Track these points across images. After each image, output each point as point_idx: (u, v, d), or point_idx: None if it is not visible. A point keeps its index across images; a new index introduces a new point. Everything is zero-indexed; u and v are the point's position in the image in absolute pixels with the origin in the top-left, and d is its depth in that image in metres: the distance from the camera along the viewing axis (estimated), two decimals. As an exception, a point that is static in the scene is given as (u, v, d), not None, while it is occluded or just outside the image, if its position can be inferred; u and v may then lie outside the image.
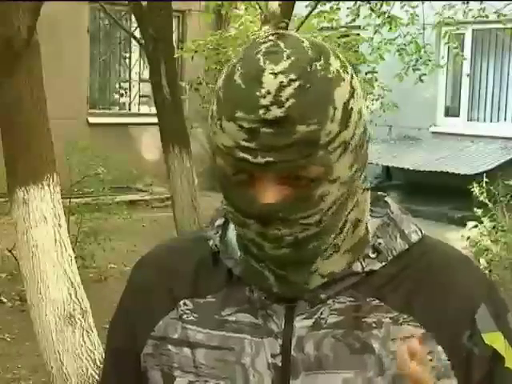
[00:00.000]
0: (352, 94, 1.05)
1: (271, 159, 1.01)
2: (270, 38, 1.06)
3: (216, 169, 1.08)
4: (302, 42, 1.05)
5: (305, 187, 1.04)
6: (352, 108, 1.04)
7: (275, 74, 1.01)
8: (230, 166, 1.05)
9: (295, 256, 1.08)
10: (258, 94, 1.01)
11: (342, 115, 1.03)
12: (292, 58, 1.02)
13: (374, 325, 1.11)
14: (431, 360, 1.09)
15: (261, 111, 1.00)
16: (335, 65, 1.05)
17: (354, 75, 1.08)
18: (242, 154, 1.02)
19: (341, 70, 1.05)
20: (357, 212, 1.12)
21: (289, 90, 1.00)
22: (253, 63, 1.03)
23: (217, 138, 1.05)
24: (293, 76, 1.01)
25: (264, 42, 1.05)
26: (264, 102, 1.00)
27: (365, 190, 1.14)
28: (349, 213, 1.10)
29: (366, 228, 1.15)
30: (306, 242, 1.07)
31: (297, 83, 1.01)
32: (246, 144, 1.02)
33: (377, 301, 1.12)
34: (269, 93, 1.00)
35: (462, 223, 8.13)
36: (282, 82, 1.00)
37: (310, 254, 1.09)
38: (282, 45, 1.04)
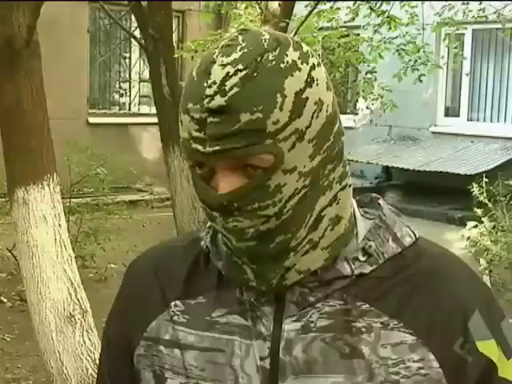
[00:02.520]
0: (309, 84, 1.04)
1: (218, 148, 1.02)
2: (234, 33, 1.08)
3: (187, 164, 1.11)
4: (263, 35, 1.06)
5: (258, 177, 1.04)
6: (307, 97, 1.04)
7: (224, 65, 1.02)
8: (187, 158, 1.08)
9: (261, 250, 1.07)
10: (205, 84, 1.03)
11: (294, 104, 1.02)
12: (244, 50, 1.03)
13: (363, 329, 1.09)
14: (422, 367, 1.08)
15: (206, 101, 1.02)
16: (292, 56, 1.04)
17: (319, 67, 1.07)
18: (194, 145, 1.04)
19: (298, 61, 1.04)
20: (337, 209, 1.11)
21: (233, 80, 1.01)
22: (208, 57, 1.05)
23: (180, 132, 1.08)
24: (240, 66, 1.02)
25: (227, 38, 1.07)
26: (209, 91, 1.02)
27: (346, 187, 1.12)
28: (324, 208, 1.09)
29: (351, 226, 1.14)
30: (269, 235, 1.06)
31: (243, 73, 1.02)
32: (196, 134, 1.04)
33: (367, 305, 1.10)
34: (214, 83, 1.02)
35: (462, 223, 8.13)
36: (228, 72, 1.02)
37: (279, 248, 1.08)
38: (240, 38, 1.05)
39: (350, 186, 1.13)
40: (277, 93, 1.02)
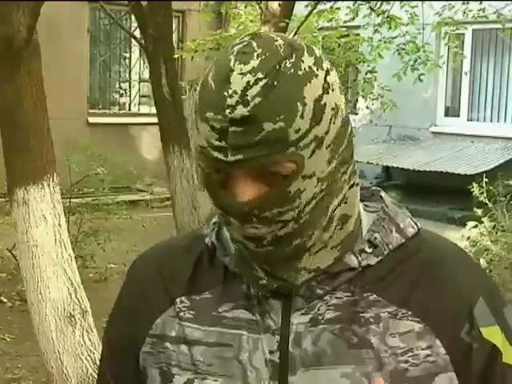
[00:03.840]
0: (326, 90, 1.05)
1: (241, 157, 1.03)
2: (245, 38, 1.07)
3: (200, 170, 1.11)
4: (276, 41, 1.06)
5: (279, 184, 1.05)
6: (325, 104, 1.05)
7: (243, 74, 1.02)
8: (206, 166, 1.07)
9: (279, 254, 1.09)
10: (225, 94, 1.02)
11: (314, 111, 1.04)
12: (261, 57, 1.03)
13: (371, 320, 1.11)
14: (430, 355, 1.10)
15: (227, 111, 1.02)
16: (308, 62, 1.05)
17: (332, 71, 1.08)
18: (214, 154, 1.04)
19: (314, 67, 1.05)
20: (345, 208, 1.12)
21: (255, 89, 1.02)
22: (224, 64, 1.05)
23: (195, 139, 1.08)
24: (260, 75, 1.02)
25: (238, 44, 1.07)
26: (230, 101, 1.02)
27: (353, 186, 1.13)
28: (335, 209, 1.11)
29: (358, 223, 1.16)
30: (286, 239, 1.08)
31: (263, 81, 1.02)
32: (217, 143, 1.04)
33: (374, 295, 1.12)
34: (235, 92, 1.02)
35: (462, 223, 8.11)
36: (249, 81, 1.02)
37: (295, 251, 1.09)
38: (254, 44, 1.05)
39: (357, 184, 1.15)
40: (297, 101, 1.03)
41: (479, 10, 8.47)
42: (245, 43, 1.06)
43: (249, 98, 1.01)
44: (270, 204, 1.05)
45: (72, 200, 7.42)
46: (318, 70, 1.06)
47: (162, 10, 6.61)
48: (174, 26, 10.35)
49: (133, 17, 8.46)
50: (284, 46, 1.05)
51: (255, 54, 1.03)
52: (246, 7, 8.91)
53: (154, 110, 7.41)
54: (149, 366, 1.19)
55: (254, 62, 1.03)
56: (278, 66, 1.03)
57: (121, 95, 12.82)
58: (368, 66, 8.84)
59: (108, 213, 7.81)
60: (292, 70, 1.03)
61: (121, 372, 1.25)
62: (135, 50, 12.17)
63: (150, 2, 6.66)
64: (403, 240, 1.16)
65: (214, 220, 1.21)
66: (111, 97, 12.77)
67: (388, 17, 7.98)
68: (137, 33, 8.04)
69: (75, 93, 11.45)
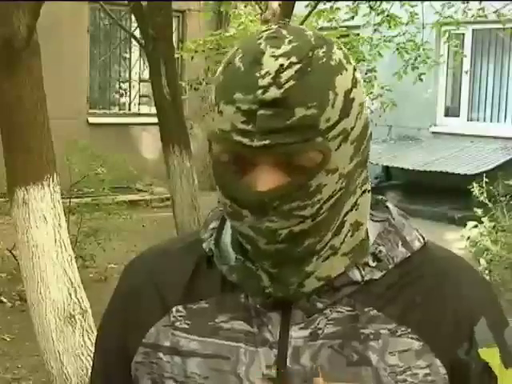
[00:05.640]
0: (355, 84, 1.03)
1: (268, 142, 0.97)
2: (273, 26, 1.04)
3: (212, 158, 1.05)
4: (306, 31, 1.03)
5: (301, 176, 1.00)
6: (354, 98, 1.02)
7: (276, 57, 0.98)
8: (226, 152, 1.02)
9: (289, 253, 1.03)
10: (257, 74, 0.98)
11: (344, 103, 1.00)
12: (293, 44, 1.00)
13: (371, 336, 1.07)
14: (429, 374, 1.06)
15: (259, 92, 0.97)
16: (338, 55, 1.03)
17: (356, 70, 1.06)
18: (238, 138, 0.99)
19: (344, 61, 1.03)
20: (357, 214, 1.08)
21: (289, 72, 0.97)
22: (253, 47, 1.00)
23: (215, 124, 1.02)
24: (294, 59, 0.98)
25: (267, 30, 1.03)
26: (263, 82, 0.97)
27: (365, 192, 1.10)
28: (347, 213, 1.07)
29: (366, 232, 1.12)
30: (301, 237, 1.03)
31: (297, 66, 0.98)
32: (243, 127, 0.98)
33: (375, 311, 1.08)
34: (268, 73, 0.97)
35: (462, 223, 8.11)
36: (282, 64, 0.98)
37: (305, 252, 1.04)
38: (284, 32, 1.02)
39: (369, 191, 1.11)
40: (329, 90, 0.99)
41: (479, 10, 8.47)
42: (273, 30, 1.02)
43: (282, 80, 0.97)
44: (290, 196, 0.99)
45: (72, 200, 7.42)
46: (347, 64, 1.03)
47: (162, 10, 6.60)
48: (174, 26, 10.35)
49: (133, 17, 8.45)
50: (314, 37, 1.02)
51: (286, 40, 1.00)
52: (245, 7, 8.92)
53: (154, 110, 7.40)
54: (141, 377, 1.14)
55: (286, 47, 0.99)
56: (310, 54, 0.99)
57: (121, 95, 12.82)
58: (368, 65, 8.84)
59: (108, 213, 7.81)
60: (324, 60, 1.00)
61: (113, 375, 1.19)
62: (135, 50, 12.17)
63: (150, 2, 6.65)
64: (408, 254, 1.11)
65: (212, 225, 1.16)
66: (111, 97, 12.77)
67: (388, 16, 7.98)
68: (137, 33, 8.04)
69: (75, 93, 11.46)
